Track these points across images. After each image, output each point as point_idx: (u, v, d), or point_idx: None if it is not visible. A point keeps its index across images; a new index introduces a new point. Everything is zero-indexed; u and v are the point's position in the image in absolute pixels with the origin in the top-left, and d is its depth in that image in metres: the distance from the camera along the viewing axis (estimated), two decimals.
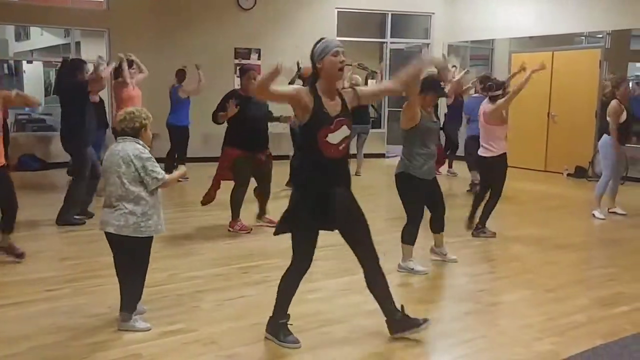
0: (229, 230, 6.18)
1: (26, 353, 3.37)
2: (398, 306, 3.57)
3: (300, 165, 3.45)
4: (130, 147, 3.58)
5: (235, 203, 6.18)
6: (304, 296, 4.22)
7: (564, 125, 10.85)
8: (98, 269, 4.83)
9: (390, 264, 5.03)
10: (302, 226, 3.38)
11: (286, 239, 5.99)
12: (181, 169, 3.96)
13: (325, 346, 3.51)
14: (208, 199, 6.30)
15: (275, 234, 3.51)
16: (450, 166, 10.40)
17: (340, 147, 3.32)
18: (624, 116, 7.10)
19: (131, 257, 3.66)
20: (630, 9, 10.02)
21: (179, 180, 3.84)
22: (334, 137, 3.28)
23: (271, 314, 3.54)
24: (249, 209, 6.42)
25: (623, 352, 3.50)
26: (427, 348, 3.56)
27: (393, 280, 4.67)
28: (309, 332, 3.65)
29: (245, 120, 5.97)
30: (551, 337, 3.68)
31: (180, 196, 7.95)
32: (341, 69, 3.30)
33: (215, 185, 6.27)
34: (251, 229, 6.19)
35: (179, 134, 9.39)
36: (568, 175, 10.62)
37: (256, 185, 6.40)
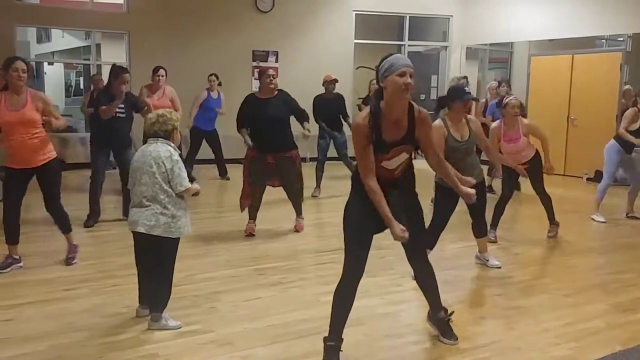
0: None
1: (43, 352, 3.40)
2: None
3: (357, 175, 3.21)
4: (162, 149, 3.66)
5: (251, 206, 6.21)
6: (318, 299, 4.22)
7: (583, 129, 10.74)
8: (114, 269, 4.88)
9: (401, 267, 5.02)
10: (357, 229, 3.22)
11: (303, 241, 6.02)
12: (195, 187, 3.86)
13: (342, 348, 3.50)
14: (244, 204, 6.22)
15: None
16: None
17: (396, 173, 3.21)
18: (637, 124, 7.04)
19: (160, 257, 3.72)
20: None
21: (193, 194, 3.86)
22: (390, 164, 3.16)
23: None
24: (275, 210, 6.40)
25: None
26: (443, 351, 3.53)
27: (406, 282, 4.67)
28: (325, 335, 3.64)
29: (257, 121, 5.96)
30: (569, 343, 3.64)
31: (194, 198, 7.95)
32: (405, 90, 3.03)
33: (247, 190, 6.15)
34: (248, 234, 6.13)
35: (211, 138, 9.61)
36: (588, 179, 10.49)
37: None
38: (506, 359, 3.46)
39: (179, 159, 3.70)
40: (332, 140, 8.57)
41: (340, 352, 3.28)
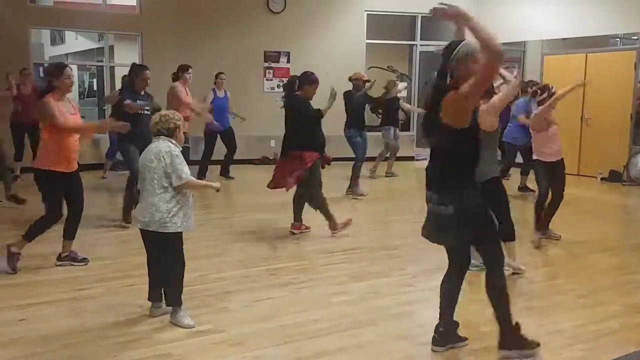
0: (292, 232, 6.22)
1: (58, 350, 3.44)
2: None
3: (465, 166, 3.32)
4: (163, 145, 3.74)
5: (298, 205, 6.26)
6: (330, 299, 4.23)
7: (597, 129, 10.65)
8: (130, 268, 4.91)
9: (413, 268, 5.01)
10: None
11: (314, 242, 6.02)
12: (216, 184, 3.97)
13: (354, 349, 3.51)
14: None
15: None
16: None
17: None
18: None
19: (163, 252, 3.79)
20: None
21: (217, 190, 3.95)
22: None
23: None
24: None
25: None
26: (456, 352, 3.52)
27: (418, 283, 4.66)
28: (337, 335, 3.66)
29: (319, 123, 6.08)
30: (582, 344, 3.62)
31: (206, 198, 8.01)
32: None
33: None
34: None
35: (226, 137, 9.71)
36: (602, 179, 10.42)
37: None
38: None
39: (180, 154, 3.75)
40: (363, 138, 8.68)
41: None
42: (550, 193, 6.02)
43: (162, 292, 3.93)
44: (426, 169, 3.37)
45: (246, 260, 5.30)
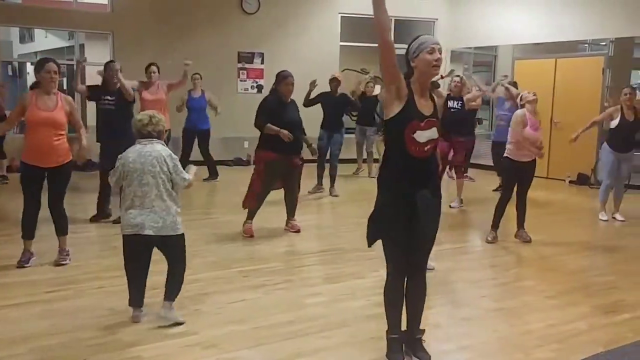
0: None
1: (26, 354, 3.37)
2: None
3: (386, 165, 3.25)
4: (160, 148, 3.78)
5: (253, 206, 6.24)
6: (304, 300, 4.23)
7: (566, 132, 10.74)
8: (99, 271, 4.85)
9: None
10: (390, 231, 3.21)
11: (287, 243, 6.02)
12: (192, 169, 4.04)
13: (328, 350, 3.51)
14: (246, 205, 6.25)
15: (369, 245, 3.30)
16: (465, 171, 10.52)
17: (426, 148, 3.13)
18: (615, 122, 7.24)
19: (175, 254, 3.86)
20: (633, 17, 10.03)
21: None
22: (422, 136, 3.10)
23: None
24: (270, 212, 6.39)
25: (624, 359, 3.49)
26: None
27: None
28: (311, 337, 3.65)
29: (282, 125, 5.99)
30: (552, 344, 3.67)
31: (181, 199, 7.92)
32: (436, 66, 3.10)
33: (257, 190, 6.14)
34: (250, 235, 6.15)
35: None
36: (570, 182, 10.61)
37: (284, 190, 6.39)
38: None
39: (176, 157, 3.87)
40: (329, 140, 8.71)
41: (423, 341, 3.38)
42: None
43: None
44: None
45: (220, 261, 5.27)
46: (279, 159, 6.03)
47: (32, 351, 3.40)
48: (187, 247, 3.95)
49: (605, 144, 7.51)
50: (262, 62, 12.09)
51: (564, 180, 10.68)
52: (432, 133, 3.15)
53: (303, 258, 5.50)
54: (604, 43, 10.83)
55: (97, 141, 6.82)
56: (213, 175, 9.78)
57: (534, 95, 6.19)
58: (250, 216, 6.21)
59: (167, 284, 3.86)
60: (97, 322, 3.83)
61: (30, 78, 14.86)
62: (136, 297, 3.87)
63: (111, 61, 6.90)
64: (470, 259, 5.67)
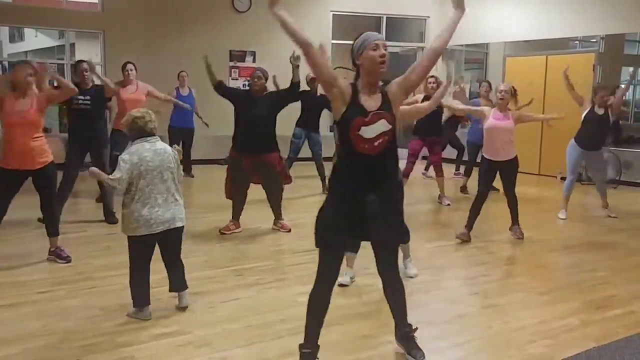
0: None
1: (17, 355, 3.35)
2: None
3: (336, 167, 3.14)
4: (166, 147, 3.90)
5: (233, 203, 6.23)
6: (296, 299, 4.22)
7: (557, 129, 10.82)
8: (90, 271, 4.83)
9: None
10: (324, 235, 3.08)
11: (280, 242, 6.01)
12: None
13: (320, 348, 3.49)
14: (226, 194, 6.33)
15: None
16: (457, 169, 10.57)
17: (376, 143, 2.95)
18: (585, 112, 7.29)
19: (179, 245, 4.03)
20: (623, 13, 10.07)
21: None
22: (368, 131, 2.94)
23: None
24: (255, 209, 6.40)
25: (616, 355, 3.51)
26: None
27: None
28: (302, 335, 3.64)
29: (244, 119, 6.00)
30: (544, 340, 3.69)
31: None
32: (382, 63, 2.94)
33: (229, 185, 6.23)
34: (223, 233, 6.18)
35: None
36: (562, 178, 10.59)
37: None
38: (483, 357, 3.50)
39: None
40: (307, 139, 8.64)
41: None
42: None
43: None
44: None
45: (212, 261, 5.26)
46: (240, 157, 6.04)
47: (24, 352, 3.39)
48: None
49: (572, 139, 7.44)
50: (254, 61, 12.06)
51: (556, 177, 10.71)
52: (381, 126, 2.96)
53: (295, 256, 5.50)
54: (594, 40, 10.86)
55: (69, 142, 6.59)
56: (188, 172, 9.85)
57: (505, 87, 6.12)
58: (234, 215, 6.22)
59: (178, 274, 4.04)
60: (90, 322, 3.81)
61: None
62: (148, 295, 3.91)
63: (80, 61, 6.69)
64: (462, 256, 5.68)
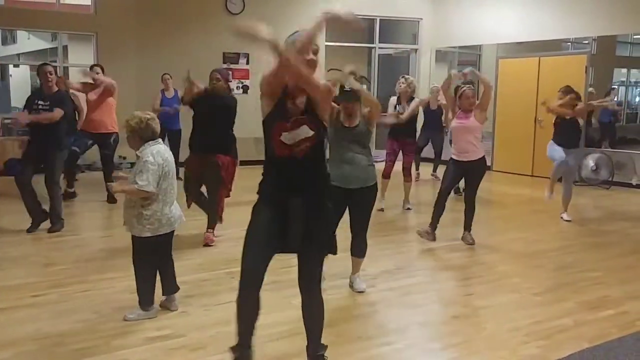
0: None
1: (11, 359, 3.34)
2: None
3: (263, 169, 3.00)
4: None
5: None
6: (291, 301, 4.21)
7: (550, 130, 10.82)
8: (84, 274, 4.81)
9: (373, 269, 5.04)
10: (247, 236, 3.02)
11: None
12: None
13: None
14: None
15: None
16: (434, 170, 10.57)
17: (297, 149, 2.81)
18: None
19: (170, 244, 4.06)
20: (615, 15, 10.12)
21: None
22: (289, 137, 2.80)
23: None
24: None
25: (609, 355, 3.53)
26: (414, 352, 3.56)
27: (379, 284, 4.70)
28: (298, 337, 3.64)
29: (200, 111, 5.96)
30: (538, 341, 3.70)
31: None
32: (311, 65, 2.80)
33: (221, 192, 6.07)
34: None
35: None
36: (557, 180, 10.66)
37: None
38: (477, 358, 3.50)
39: None
40: None
41: None
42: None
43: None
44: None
45: (205, 263, 5.25)
46: (192, 157, 5.98)
47: (17, 356, 3.37)
48: (172, 249, 4.00)
49: (551, 142, 7.63)
50: (248, 63, 12.07)
51: (549, 178, 10.73)
52: (302, 132, 2.81)
53: (289, 259, 5.45)
54: (586, 41, 10.92)
55: (28, 147, 6.36)
56: (176, 174, 9.78)
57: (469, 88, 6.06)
58: (209, 225, 5.97)
59: (170, 277, 4.06)
60: (83, 325, 3.80)
61: (13, 80, 14.75)
62: (153, 295, 3.94)
63: (43, 64, 6.45)
64: (456, 257, 5.69)
